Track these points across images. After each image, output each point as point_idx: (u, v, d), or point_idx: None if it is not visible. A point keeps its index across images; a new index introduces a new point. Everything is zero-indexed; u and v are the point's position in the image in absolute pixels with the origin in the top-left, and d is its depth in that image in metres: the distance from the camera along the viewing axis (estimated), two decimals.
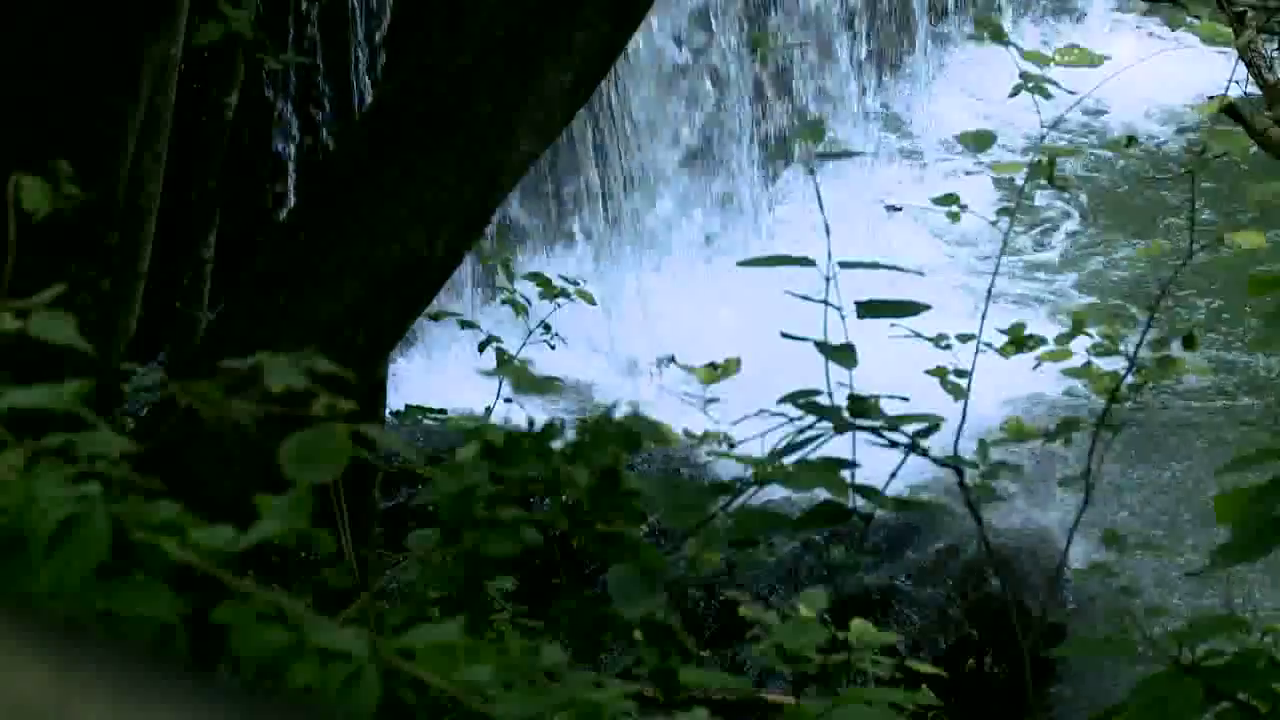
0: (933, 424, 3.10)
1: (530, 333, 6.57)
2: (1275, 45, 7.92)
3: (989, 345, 4.12)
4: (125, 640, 2.04)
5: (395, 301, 3.92)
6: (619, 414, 2.61)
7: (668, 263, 11.80)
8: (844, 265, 3.30)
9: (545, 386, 2.65)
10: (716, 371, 3.95)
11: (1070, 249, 12.64)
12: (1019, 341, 4.50)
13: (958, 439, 3.37)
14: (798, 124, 12.41)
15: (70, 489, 2.20)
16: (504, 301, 6.64)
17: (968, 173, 12.72)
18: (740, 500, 2.84)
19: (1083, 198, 12.87)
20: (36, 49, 3.97)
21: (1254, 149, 7.13)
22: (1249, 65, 7.58)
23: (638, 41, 10.91)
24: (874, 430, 3.04)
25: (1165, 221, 12.33)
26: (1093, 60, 4.28)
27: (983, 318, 3.90)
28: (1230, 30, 6.66)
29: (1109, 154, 13.19)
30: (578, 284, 6.75)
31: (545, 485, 2.56)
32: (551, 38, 3.86)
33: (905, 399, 3.13)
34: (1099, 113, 13.79)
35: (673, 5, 11.90)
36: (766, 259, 3.35)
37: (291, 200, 9.57)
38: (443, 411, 6.85)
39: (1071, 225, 12.83)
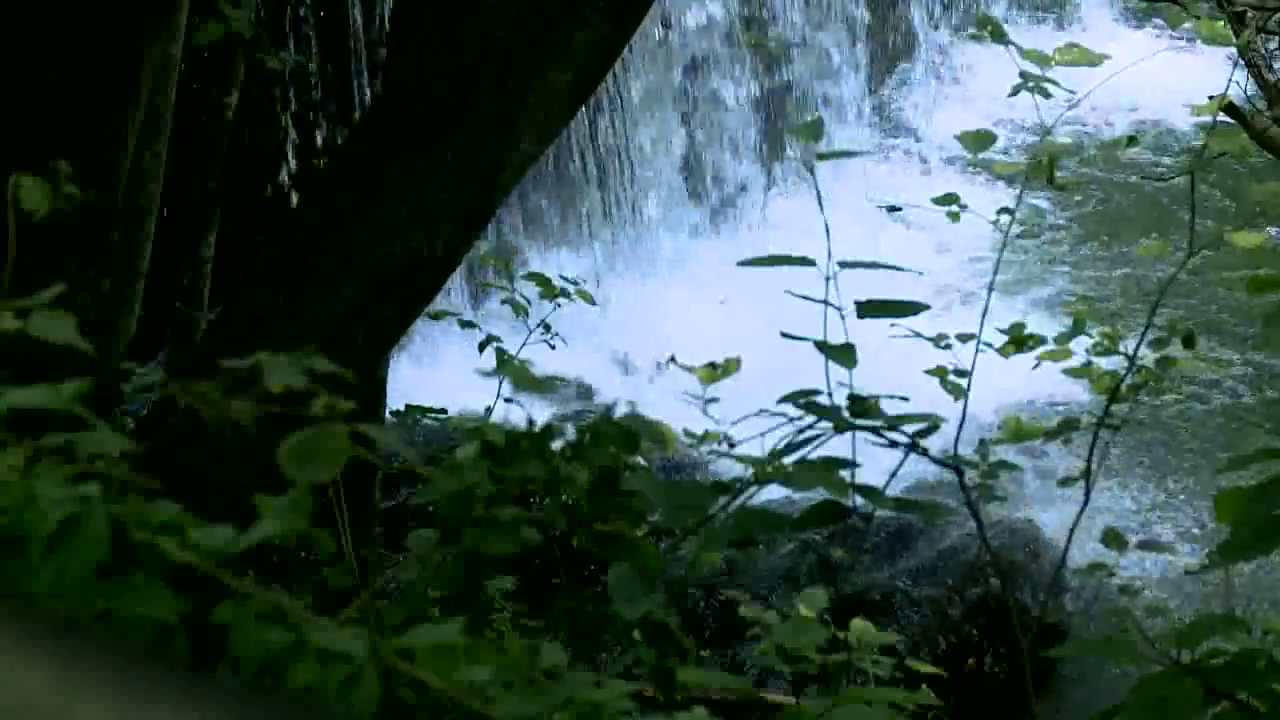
0: (933, 424, 3.09)
1: (530, 333, 6.57)
2: (1275, 45, 7.92)
3: (989, 345, 4.11)
4: (125, 640, 2.04)
5: (395, 301, 3.92)
6: (618, 414, 2.61)
7: (667, 263, 11.80)
8: (844, 265, 3.29)
9: (545, 386, 2.65)
10: (716, 371, 3.95)
11: (1070, 249, 12.64)
12: (1019, 341, 4.49)
13: (958, 439, 3.37)
14: (797, 124, 12.42)
15: (70, 489, 2.20)
16: (504, 301, 6.64)
17: (967, 172, 12.72)
18: (740, 500, 2.84)
19: (1083, 198, 12.86)
20: (37, 49, 3.97)
21: (1254, 149, 7.14)
22: (1249, 65, 7.58)
23: (637, 41, 10.91)
24: (874, 430, 3.04)
25: (1165, 221, 12.33)
26: (1092, 60, 4.27)
27: (983, 318, 3.89)
28: (1230, 30, 6.66)
29: (1109, 154, 13.19)
30: (577, 284, 6.75)
31: (545, 485, 2.56)
32: (551, 38, 3.86)
33: (905, 399, 3.13)
34: (1099, 112, 13.78)
35: (674, 4, 11.90)
36: (766, 259, 3.35)
37: (291, 200, 9.57)
38: (443, 411, 6.85)
39: (1071, 225, 12.83)
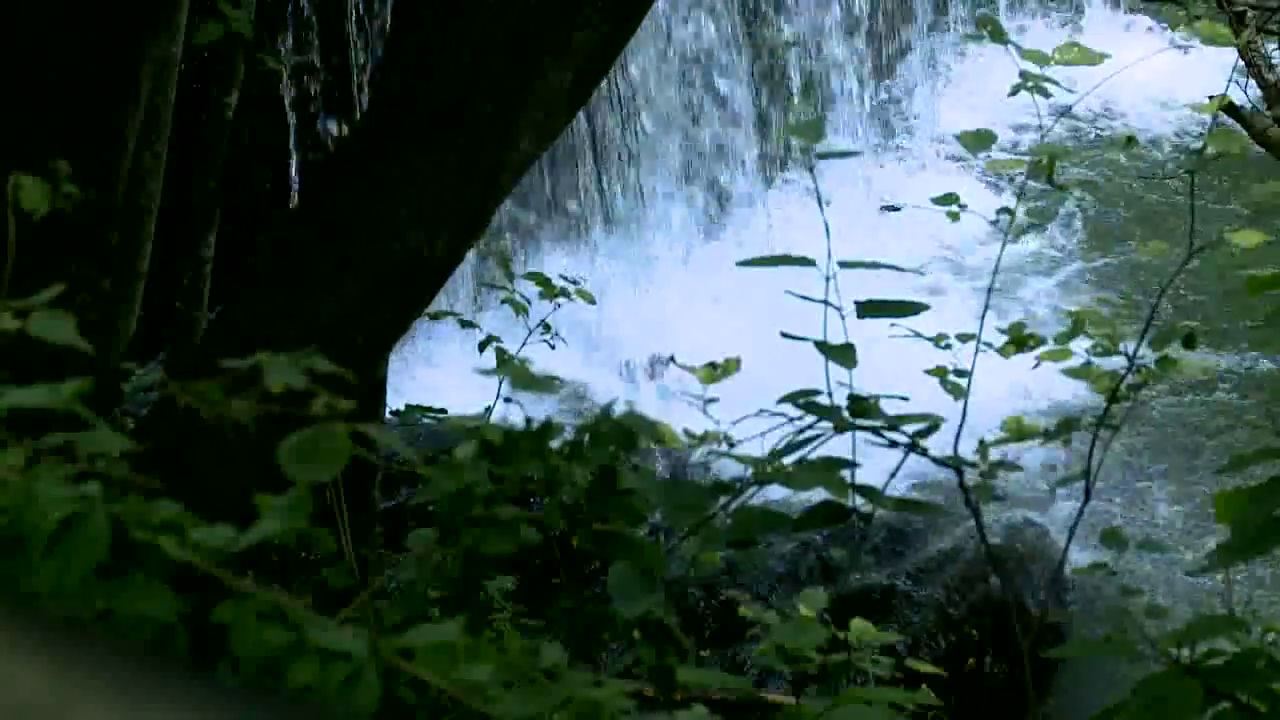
0: (933, 424, 3.09)
1: (530, 333, 6.56)
2: (1275, 45, 7.92)
3: (989, 345, 4.11)
4: (125, 640, 2.04)
5: (395, 301, 3.92)
6: (616, 413, 2.61)
7: (667, 263, 11.80)
8: (844, 265, 3.29)
9: (544, 385, 2.65)
10: (716, 371, 3.95)
11: (1070, 249, 12.64)
12: (1019, 341, 4.49)
13: (958, 439, 3.37)
14: (797, 123, 12.38)
15: (70, 489, 2.20)
16: (504, 301, 6.63)
17: (967, 171, 12.72)
18: (740, 500, 2.84)
19: (1082, 197, 12.86)
20: (37, 49, 3.97)
21: (1254, 149, 7.14)
22: (1249, 65, 7.59)
23: (636, 41, 10.91)
24: (874, 430, 3.04)
25: (1165, 221, 12.33)
26: (1092, 59, 4.27)
27: (982, 318, 3.89)
28: (1230, 30, 6.66)
29: (1108, 154, 13.20)
30: (577, 284, 6.75)
31: (544, 484, 2.56)
32: (551, 37, 3.86)
33: (905, 399, 3.13)
34: (1098, 112, 13.79)
35: (674, 3, 11.90)
36: (766, 259, 3.35)
37: (292, 200, 9.57)
38: (443, 411, 6.84)
39: (1071, 225, 12.83)
